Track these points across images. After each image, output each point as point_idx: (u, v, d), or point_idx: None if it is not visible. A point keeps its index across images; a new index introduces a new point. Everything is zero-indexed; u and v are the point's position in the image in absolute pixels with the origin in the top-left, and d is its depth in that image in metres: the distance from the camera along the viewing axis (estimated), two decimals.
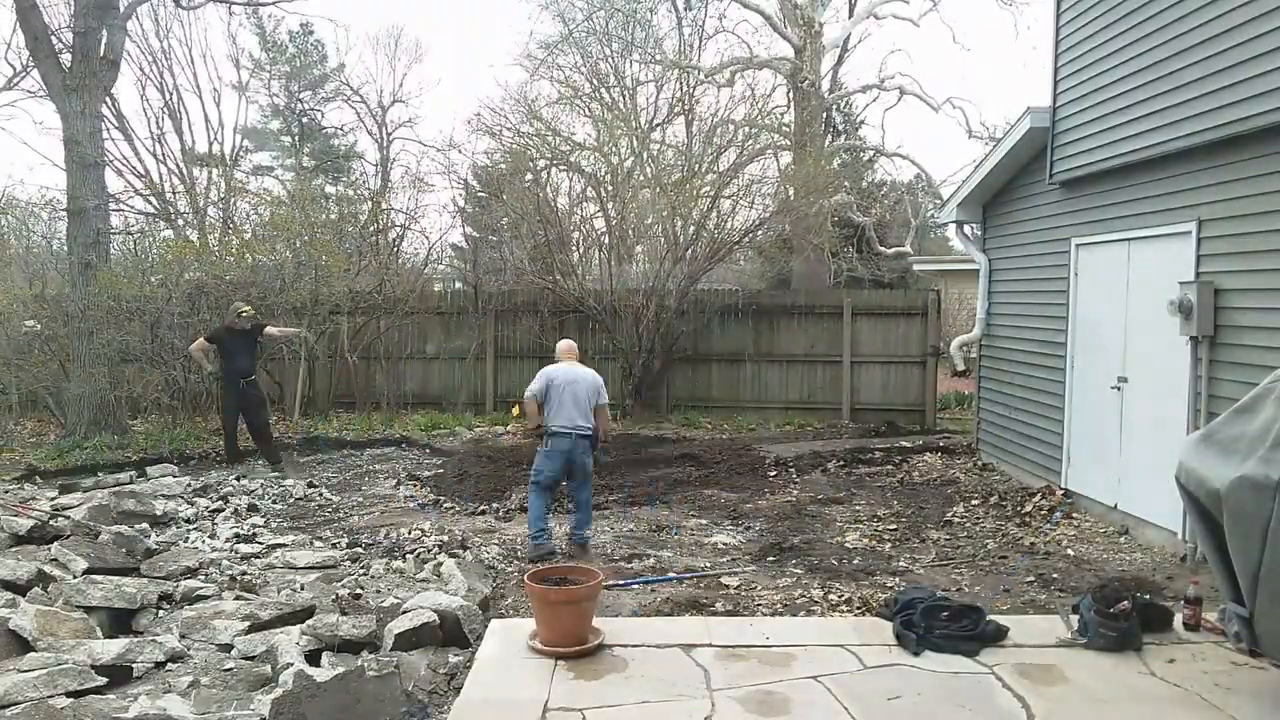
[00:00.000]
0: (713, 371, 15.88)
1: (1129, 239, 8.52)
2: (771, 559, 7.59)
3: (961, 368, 13.74)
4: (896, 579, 6.95)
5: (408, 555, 7.39)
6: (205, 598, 6.37)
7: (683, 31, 23.19)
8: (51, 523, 7.66)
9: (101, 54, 14.79)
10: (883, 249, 21.47)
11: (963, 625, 5.35)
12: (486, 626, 5.61)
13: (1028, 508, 9.18)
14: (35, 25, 14.58)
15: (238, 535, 8.30)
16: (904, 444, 13.28)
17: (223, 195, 15.61)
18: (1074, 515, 8.99)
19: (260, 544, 8.00)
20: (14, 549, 7.16)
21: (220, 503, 9.41)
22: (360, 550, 7.84)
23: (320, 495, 9.96)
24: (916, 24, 23.33)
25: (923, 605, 5.49)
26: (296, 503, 9.72)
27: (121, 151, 17.37)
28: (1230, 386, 6.94)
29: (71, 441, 12.63)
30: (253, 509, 9.26)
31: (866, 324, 15.76)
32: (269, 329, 11.98)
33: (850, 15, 24.82)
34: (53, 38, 15.10)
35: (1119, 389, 8.60)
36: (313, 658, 5.15)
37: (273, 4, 18.69)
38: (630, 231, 16.38)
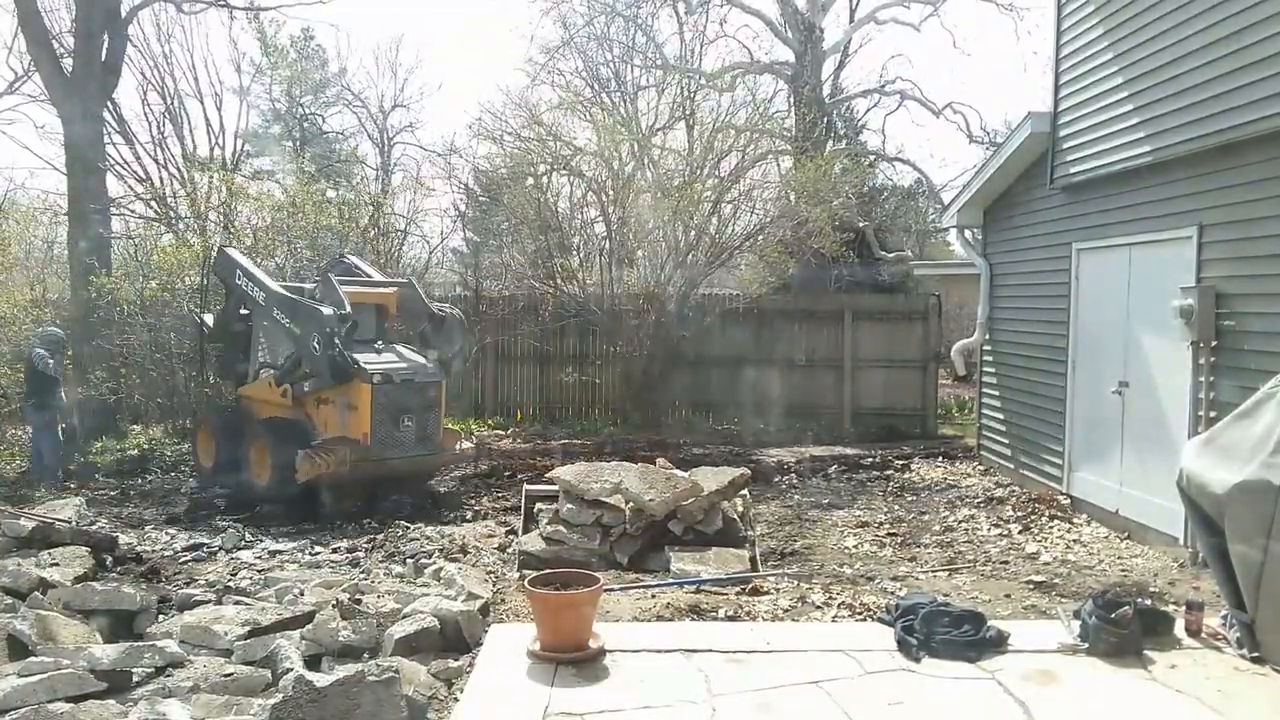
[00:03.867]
0: (713, 375, 15.84)
1: (1130, 244, 8.52)
2: (773, 564, 7.58)
3: (962, 372, 13.73)
4: (897, 584, 6.93)
5: (408, 560, 7.37)
6: (204, 603, 6.36)
7: (683, 36, 23.19)
8: (54, 527, 7.65)
9: (103, 59, 14.82)
10: (883, 253, 21.45)
11: (964, 631, 5.34)
12: (487, 631, 5.59)
13: (1029, 513, 9.17)
14: (37, 30, 14.61)
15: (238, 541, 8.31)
16: (905, 448, 13.29)
17: (224, 199, 15.59)
18: (1075, 520, 8.98)
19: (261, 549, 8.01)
20: (15, 554, 7.15)
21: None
22: (361, 555, 7.83)
23: None
24: (917, 29, 23.37)
25: (924, 611, 5.47)
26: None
27: (123, 155, 17.38)
28: (1231, 391, 6.93)
29: (71, 447, 12.61)
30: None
31: (867, 328, 15.76)
32: None
33: (851, 20, 24.86)
34: (54, 42, 15.13)
35: (1120, 394, 8.59)
36: (313, 663, 5.14)
37: (273, 9, 18.71)
38: (631, 236, 16.39)
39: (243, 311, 10.62)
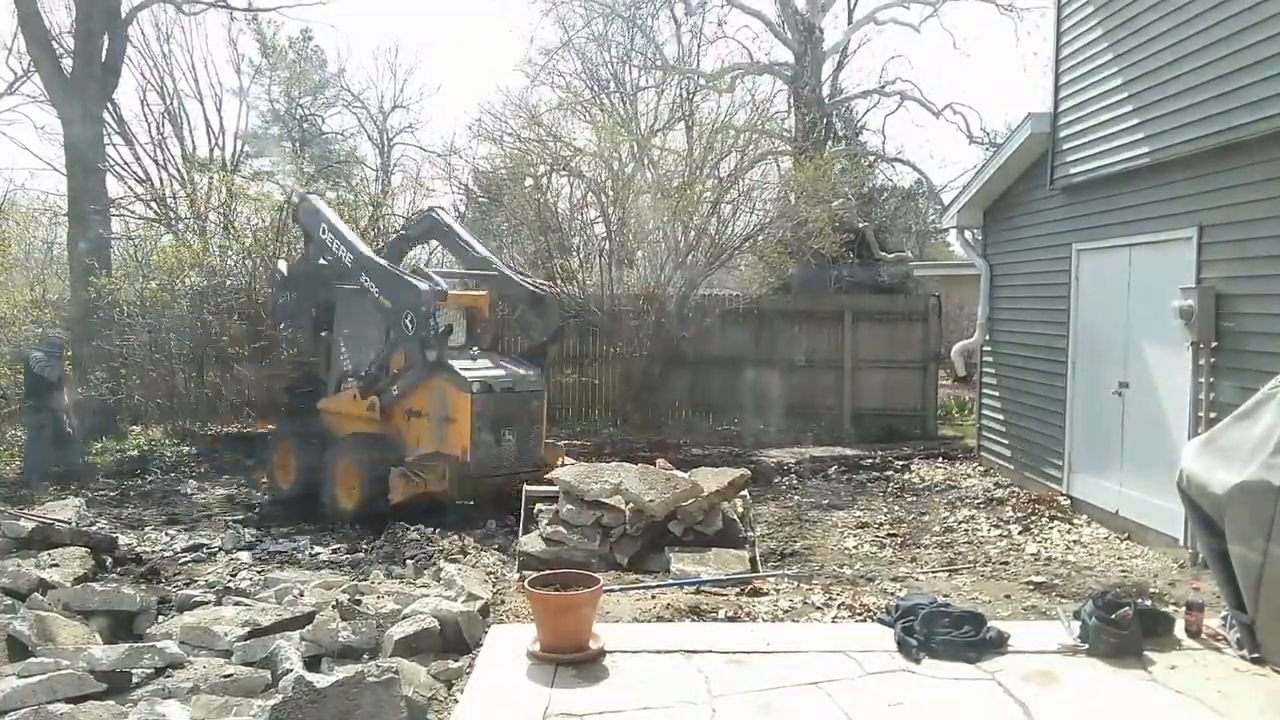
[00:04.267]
0: (713, 376, 15.80)
1: (1130, 244, 8.52)
2: (773, 565, 7.58)
3: (962, 373, 13.72)
4: (897, 585, 6.93)
5: (408, 561, 7.37)
6: (204, 603, 6.36)
7: (682, 38, 23.23)
8: (54, 528, 7.65)
9: (103, 59, 14.82)
10: (883, 254, 21.47)
11: (964, 632, 5.34)
12: (487, 632, 5.59)
13: (1029, 513, 9.16)
14: (37, 30, 14.61)
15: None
16: (905, 449, 13.28)
17: (223, 200, 15.59)
18: (1075, 521, 8.98)
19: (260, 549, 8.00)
20: (15, 554, 7.15)
21: None
22: (361, 556, 7.83)
23: None
24: (917, 29, 23.39)
25: (924, 612, 5.47)
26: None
27: (122, 156, 17.37)
28: (1231, 392, 6.92)
29: (72, 448, 12.59)
30: None
31: (867, 329, 15.75)
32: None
33: (850, 20, 24.86)
34: (54, 43, 15.12)
35: (1120, 395, 8.59)
36: (313, 664, 5.14)
37: (272, 9, 18.71)
38: (631, 236, 16.38)
39: (322, 334, 10.19)
